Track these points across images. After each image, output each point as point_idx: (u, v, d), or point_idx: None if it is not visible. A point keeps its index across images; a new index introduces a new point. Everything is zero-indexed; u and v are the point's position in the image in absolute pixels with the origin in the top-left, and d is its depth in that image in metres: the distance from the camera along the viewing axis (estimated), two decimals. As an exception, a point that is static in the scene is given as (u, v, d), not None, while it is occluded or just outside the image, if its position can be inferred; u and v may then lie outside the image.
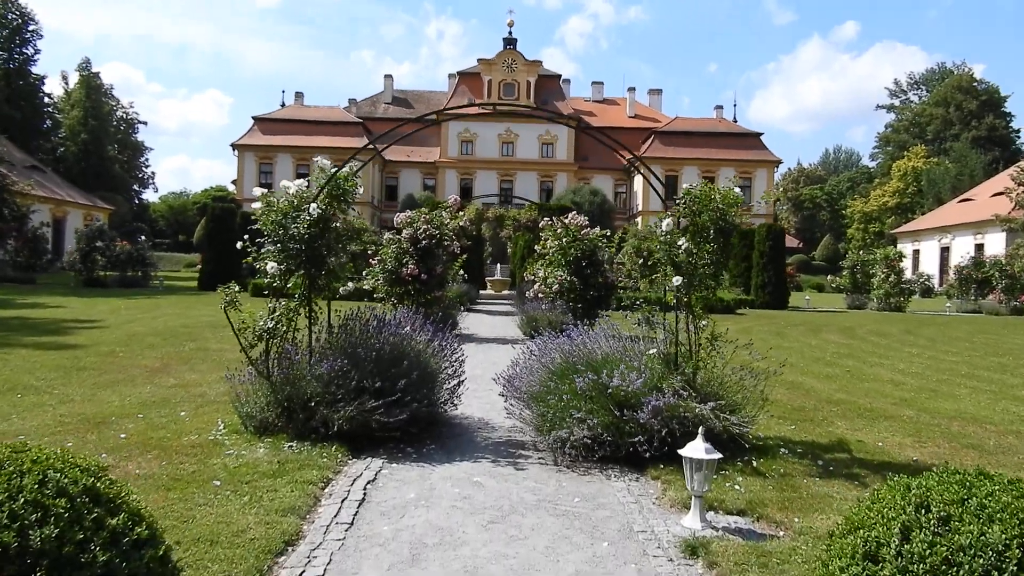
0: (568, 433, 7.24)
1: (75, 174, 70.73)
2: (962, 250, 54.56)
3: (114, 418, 8.52)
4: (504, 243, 37.14)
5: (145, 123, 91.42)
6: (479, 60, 74.03)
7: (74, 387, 10.28)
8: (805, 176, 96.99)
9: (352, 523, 5.62)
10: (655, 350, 8.27)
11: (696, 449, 5.75)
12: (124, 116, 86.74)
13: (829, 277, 38.27)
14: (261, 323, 8.15)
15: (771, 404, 8.65)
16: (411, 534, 5.46)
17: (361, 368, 7.72)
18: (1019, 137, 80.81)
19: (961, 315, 33.44)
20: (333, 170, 8.42)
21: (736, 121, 75.01)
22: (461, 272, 25.88)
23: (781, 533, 5.63)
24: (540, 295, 18.44)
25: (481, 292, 33.87)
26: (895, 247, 63.73)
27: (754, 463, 7.25)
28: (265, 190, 8.62)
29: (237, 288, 8.31)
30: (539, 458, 7.57)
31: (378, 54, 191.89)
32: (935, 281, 54.65)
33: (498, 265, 38.60)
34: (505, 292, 35.36)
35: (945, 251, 58.96)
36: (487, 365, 13.52)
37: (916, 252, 61.91)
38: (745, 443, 7.49)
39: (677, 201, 8.15)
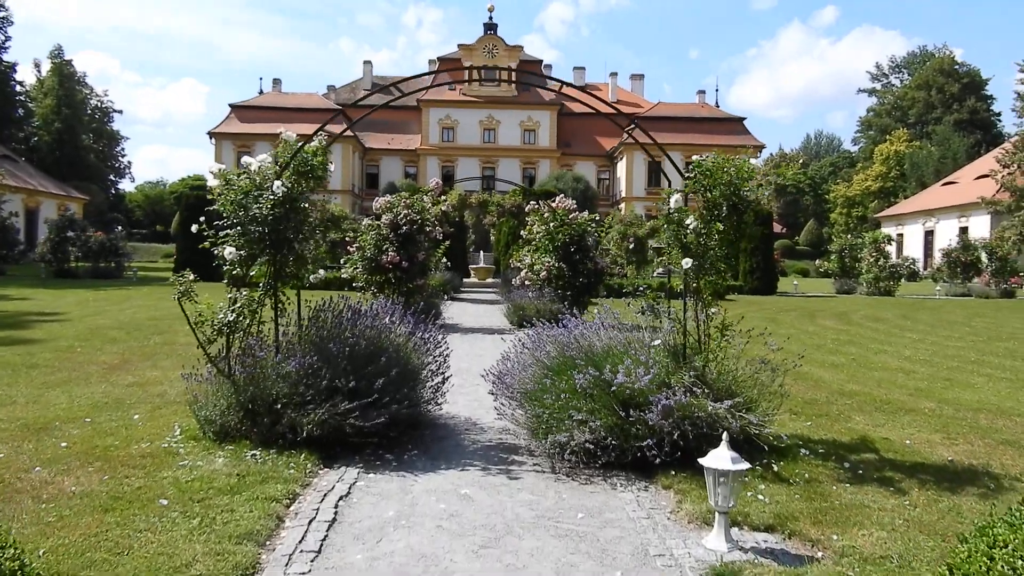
0: (567, 437, 6.41)
1: (49, 164, 69.06)
2: (947, 233, 54.23)
3: (58, 423, 7.60)
4: (487, 230, 36.24)
5: (120, 111, 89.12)
6: (459, 46, 72.89)
7: (20, 387, 9.33)
8: (787, 161, 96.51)
9: (319, 551, 4.75)
10: (659, 341, 7.44)
11: (720, 458, 4.92)
12: (99, 105, 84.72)
13: (817, 262, 37.62)
14: (221, 315, 7.24)
15: (783, 398, 7.85)
16: (389, 564, 4.60)
17: (333, 365, 6.84)
18: (1000, 120, 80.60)
19: (952, 298, 32.92)
20: (300, 144, 7.50)
21: (718, 106, 74.30)
22: (444, 260, 25.01)
23: (820, 554, 4.82)
24: (527, 282, 17.61)
25: (465, 280, 32.98)
26: (879, 231, 63.48)
27: (775, 467, 6.46)
28: (222, 166, 7.70)
29: (193, 276, 7.37)
30: (534, 464, 6.73)
31: (357, 43, 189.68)
32: (919, 265, 54.25)
33: (481, 252, 37.68)
34: (489, 280, 34.49)
35: (929, 234, 58.63)
36: (473, 358, 12.66)
37: (900, 236, 61.51)
38: (764, 444, 6.68)
39: (686, 175, 7.31)
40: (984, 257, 38.74)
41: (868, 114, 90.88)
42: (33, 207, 54.99)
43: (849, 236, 38.28)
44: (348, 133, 67.38)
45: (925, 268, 53.67)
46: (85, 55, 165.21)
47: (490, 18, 74.25)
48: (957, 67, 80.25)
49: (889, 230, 61.95)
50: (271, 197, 7.15)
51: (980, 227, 52.19)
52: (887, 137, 78.33)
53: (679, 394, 6.51)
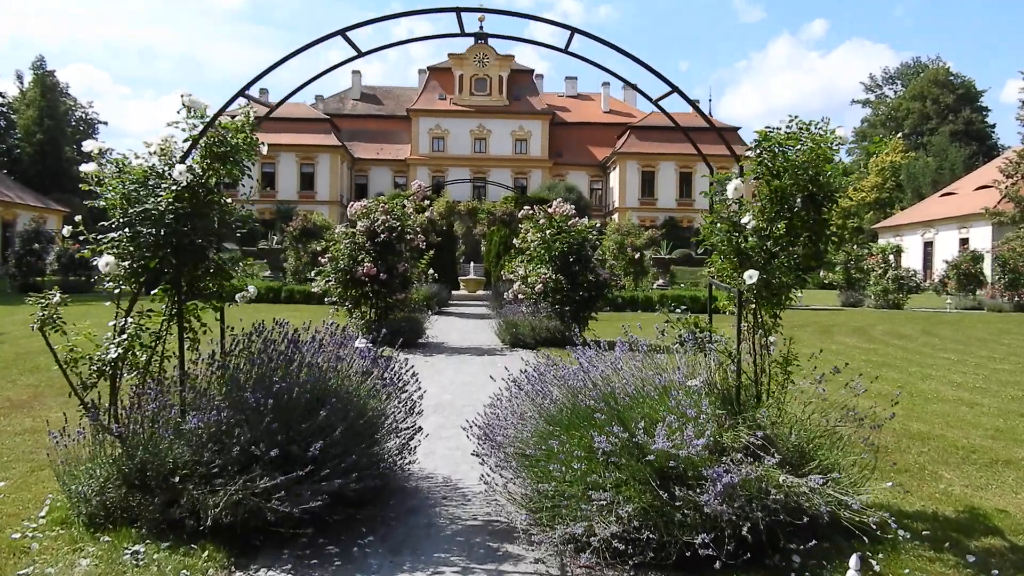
0: (584, 528, 4.40)
1: (31, 176, 66.88)
2: (946, 245, 52.54)
3: None
4: (478, 240, 34.25)
5: (106, 123, 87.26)
6: (450, 55, 71.05)
7: None
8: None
9: None
10: (699, 380, 5.48)
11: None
12: (83, 116, 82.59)
13: (822, 272, 35.82)
14: (101, 351, 5.23)
15: (842, 441, 5.79)
16: None
17: (252, 423, 4.82)
18: (995, 132, 79.14)
19: (964, 312, 31.04)
20: (214, 114, 5.50)
21: (712, 115, 72.58)
22: (431, 271, 23.00)
23: None
24: (520, 296, 15.62)
25: (454, 292, 30.96)
26: (876, 242, 61.71)
27: (872, 562, 4.47)
28: (104, 143, 5.71)
29: (60, 298, 5.37)
30: (536, 562, 4.71)
31: (346, 54, 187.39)
32: (919, 277, 52.48)
33: (472, 264, 35.68)
34: (480, 292, 32.46)
35: (929, 246, 56.93)
36: (458, 388, 10.63)
37: (898, 247, 59.73)
38: (852, 527, 4.68)
39: (744, 155, 5.37)
40: (987, 270, 36.99)
41: (862, 124, 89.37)
42: (10, 220, 52.78)
43: (855, 247, 36.37)
44: (336, 142, 65.56)
45: (925, 280, 51.93)
46: (76, 68, 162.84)
47: (480, 28, 72.02)
48: (952, 78, 78.82)
49: (887, 240, 60.26)
50: (172, 188, 5.15)
51: (981, 238, 50.49)
52: (885, 141, 76.73)
53: (742, 463, 4.54)
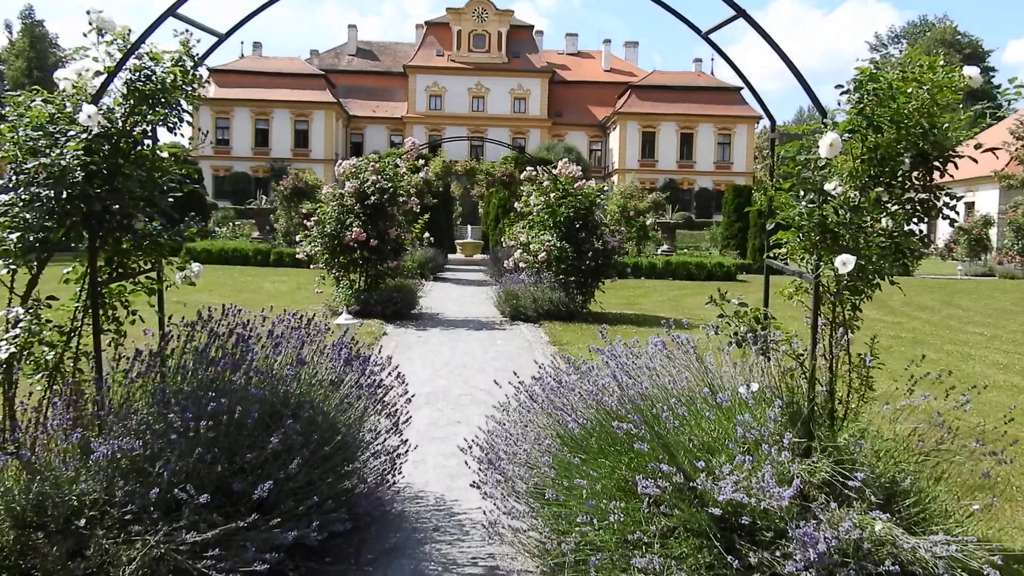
0: (625, 604, 3.24)
1: (19, 130, 65.13)
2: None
3: None
4: (476, 202, 32.92)
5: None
6: (448, 9, 68.84)
7: None
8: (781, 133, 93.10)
9: None
10: (753, 387, 4.31)
11: None
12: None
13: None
14: (-9, 350, 4.02)
15: (888, 441, 4.59)
16: None
17: (182, 453, 3.63)
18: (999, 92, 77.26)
19: (976, 279, 29.90)
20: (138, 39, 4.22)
21: (712, 75, 70.75)
22: (427, 235, 21.74)
23: None
24: (521, 265, 14.40)
25: (450, 257, 29.72)
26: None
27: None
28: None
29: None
30: (557, 638, 3.57)
31: (342, 9, 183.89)
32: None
33: (469, 227, 34.35)
34: (477, 256, 31.20)
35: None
36: (453, 371, 9.43)
37: (902, 211, 58.46)
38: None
39: (839, 99, 4.14)
40: (993, 235, 35.86)
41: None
42: (-4, 174, 51.32)
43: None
44: (331, 99, 63.78)
45: (928, 245, 50.75)
46: (66, 21, 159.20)
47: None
48: (959, 37, 76.86)
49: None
50: (81, 137, 3.89)
51: (987, 202, 49.34)
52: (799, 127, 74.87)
53: (827, 507, 3.37)
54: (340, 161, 13.86)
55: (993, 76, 76.84)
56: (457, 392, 8.12)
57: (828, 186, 3.98)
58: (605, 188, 14.53)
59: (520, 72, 68.08)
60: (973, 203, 50.68)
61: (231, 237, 29.35)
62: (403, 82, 68.74)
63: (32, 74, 69.28)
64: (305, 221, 14.02)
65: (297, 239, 13.99)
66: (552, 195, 13.92)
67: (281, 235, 28.12)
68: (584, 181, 13.98)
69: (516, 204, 15.21)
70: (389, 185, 13.28)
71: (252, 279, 20.39)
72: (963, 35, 77.70)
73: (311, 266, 13.94)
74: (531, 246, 13.99)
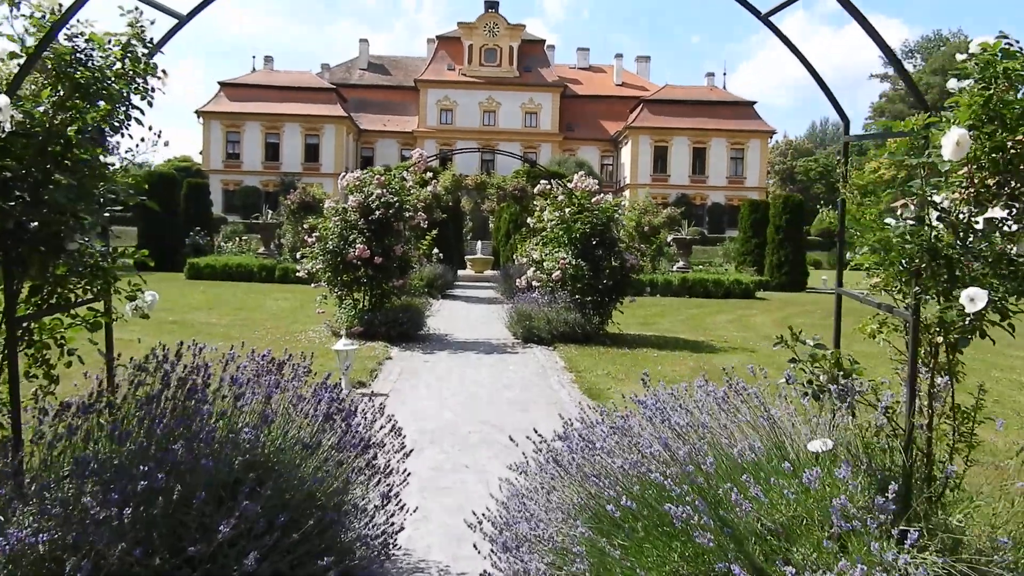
0: None
1: None
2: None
3: None
4: (486, 216, 32.15)
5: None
6: (459, 24, 68.47)
7: None
8: (793, 149, 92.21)
9: None
10: (826, 443, 3.44)
11: None
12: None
13: (849, 255, 33.61)
14: None
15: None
16: None
17: (108, 542, 2.78)
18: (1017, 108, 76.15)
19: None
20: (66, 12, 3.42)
21: (724, 89, 69.97)
22: (436, 251, 20.95)
23: None
24: (534, 283, 13.56)
25: (460, 273, 28.91)
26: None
27: None
28: None
29: None
30: None
31: (355, 25, 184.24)
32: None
33: (479, 242, 33.53)
34: (488, 272, 30.41)
35: (951, 226, 54.60)
36: (463, 401, 8.55)
37: (919, 227, 57.44)
38: None
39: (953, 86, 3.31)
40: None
41: (881, 99, 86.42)
42: None
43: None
44: (341, 113, 63.29)
45: None
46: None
47: (493, -2, 69.70)
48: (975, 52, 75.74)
49: (907, 221, 57.88)
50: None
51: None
52: (902, 123, 73.88)
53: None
54: (344, 173, 13.09)
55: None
56: (466, 428, 7.27)
57: (937, 198, 3.13)
58: (622, 202, 13.69)
59: (531, 86, 67.49)
60: (992, 219, 49.56)
61: (237, 252, 28.63)
62: (414, 96, 68.26)
63: (44, 88, 69.20)
64: (306, 237, 13.23)
65: (298, 256, 13.20)
66: (567, 210, 13.11)
67: (288, 251, 27.40)
68: (601, 195, 13.16)
69: (529, 220, 14.40)
70: (395, 199, 12.48)
71: (255, 296, 19.62)
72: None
73: (312, 284, 13.15)
74: (545, 264, 13.17)
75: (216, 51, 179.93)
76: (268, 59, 69.58)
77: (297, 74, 67.57)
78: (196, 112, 64.06)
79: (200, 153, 66.19)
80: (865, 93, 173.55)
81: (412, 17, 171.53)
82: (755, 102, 66.97)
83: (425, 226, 13.61)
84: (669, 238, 27.41)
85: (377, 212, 12.36)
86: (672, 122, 64.93)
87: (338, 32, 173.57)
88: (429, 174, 13.38)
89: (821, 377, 3.67)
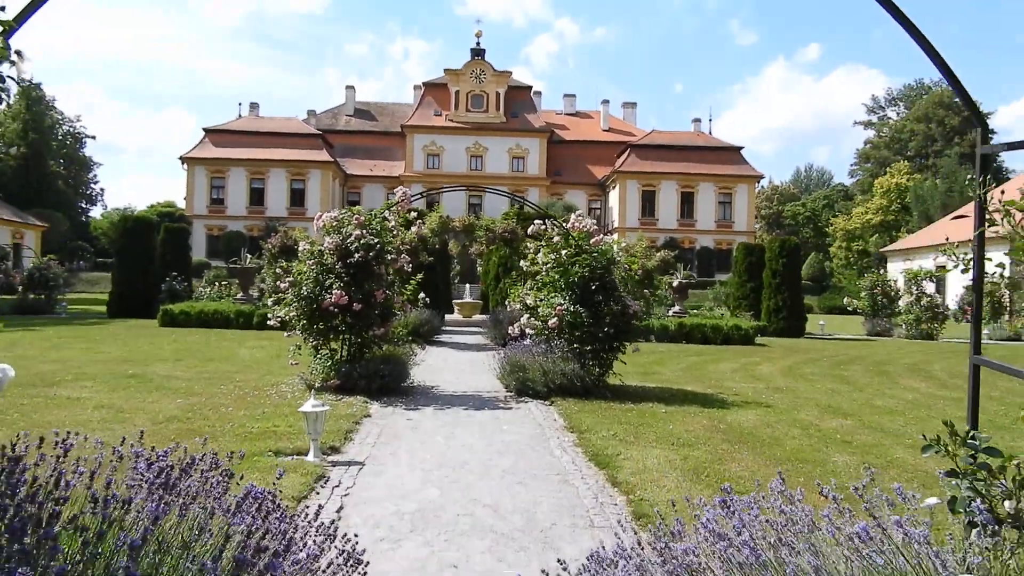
0: None
1: (13, 190, 63.64)
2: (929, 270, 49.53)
3: None
4: (474, 260, 31.06)
5: (94, 137, 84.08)
6: (446, 70, 68.23)
7: None
8: (779, 194, 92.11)
9: None
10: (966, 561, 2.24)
11: None
12: (71, 131, 79.43)
13: (846, 300, 32.68)
14: None
15: None
16: None
17: None
18: (999, 156, 76.42)
19: (1005, 344, 27.88)
20: None
21: (712, 135, 69.75)
22: (422, 296, 19.75)
23: None
24: (528, 331, 12.38)
25: (447, 317, 27.72)
26: (885, 266, 58.69)
27: None
28: None
29: None
30: None
31: (343, 73, 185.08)
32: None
33: (467, 286, 32.39)
34: (476, 317, 29.24)
35: (941, 270, 53.98)
36: (450, 473, 7.24)
37: (930, 272, 56.78)
38: None
39: None
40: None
41: (865, 146, 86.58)
42: (-16, 234, 49.49)
43: (882, 272, 33.33)
44: (327, 158, 62.48)
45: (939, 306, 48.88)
46: (75, 86, 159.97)
47: (478, 43, 69.61)
48: (957, 100, 76.11)
49: (896, 265, 57.29)
50: None
51: (996, 261, 47.63)
52: (886, 170, 73.94)
53: None
54: (320, 213, 11.96)
55: (992, 138, 75.95)
56: (454, 510, 6.03)
57: None
58: (623, 244, 12.60)
59: (518, 132, 67.08)
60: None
61: (215, 297, 27.34)
62: (401, 142, 67.71)
63: (28, 136, 68.21)
64: (279, 282, 12.04)
65: (269, 302, 11.99)
66: (564, 252, 12.00)
67: (268, 295, 26.14)
68: (600, 236, 12.08)
69: (522, 263, 13.27)
70: (376, 241, 11.34)
71: (229, 345, 18.32)
72: (960, 96, 76.85)
73: (286, 333, 11.92)
74: (540, 310, 12.02)
75: (202, 100, 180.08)
76: (254, 105, 68.96)
77: (283, 120, 66.90)
78: (181, 158, 63.12)
79: (184, 199, 65.07)
80: (849, 139, 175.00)
81: (399, 66, 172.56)
82: (742, 147, 66.75)
83: (409, 269, 12.45)
84: (677, 282, 26.31)
85: (356, 255, 11.21)
86: (660, 167, 64.55)
87: (325, 81, 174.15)
88: (414, 214, 12.23)
89: (1005, 503, 2.48)
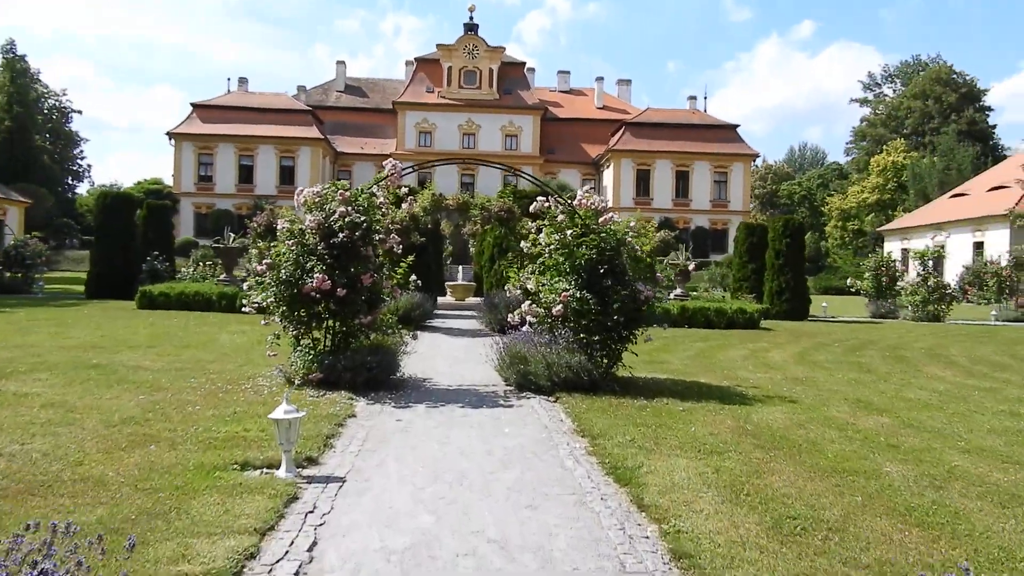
0: None
1: (-2, 164, 62.02)
2: (959, 249, 48.62)
3: None
4: (467, 240, 29.87)
5: (80, 112, 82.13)
6: (438, 46, 66.63)
7: None
8: (773, 174, 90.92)
9: None
10: None
11: None
12: (56, 105, 77.56)
13: (849, 281, 31.73)
14: None
15: None
16: None
17: None
18: (995, 132, 75.41)
19: (1015, 326, 26.90)
20: None
21: (706, 112, 68.46)
22: (413, 279, 18.58)
23: None
24: (530, 319, 11.26)
25: (440, 300, 26.56)
26: (882, 246, 57.73)
27: None
28: None
29: None
30: None
31: (334, 49, 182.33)
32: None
33: (460, 267, 31.21)
34: (470, 300, 28.08)
35: (939, 250, 53.10)
36: (445, 490, 6.09)
37: (905, 251, 55.85)
38: None
39: None
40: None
41: (862, 124, 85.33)
42: (-36, 210, 47.97)
43: (889, 252, 32.33)
44: (317, 135, 60.98)
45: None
46: (61, 60, 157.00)
47: (471, 18, 67.94)
48: (955, 76, 74.94)
49: (894, 244, 56.41)
50: None
51: (997, 242, 46.73)
52: (883, 148, 72.75)
53: None
54: (301, 189, 10.77)
55: (988, 115, 74.97)
56: (452, 546, 4.93)
57: None
58: (632, 223, 11.45)
59: (511, 109, 65.66)
60: (982, 243, 48.12)
61: (199, 278, 26.09)
62: (392, 119, 66.18)
63: (12, 109, 66.36)
64: (257, 264, 10.87)
65: (245, 286, 10.84)
66: (569, 232, 10.86)
67: (254, 276, 24.91)
68: (609, 215, 10.94)
69: (522, 244, 12.11)
70: (363, 219, 10.17)
71: (209, 329, 17.16)
72: (958, 74, 75.82)
73: (263, 321, 10.78)
74: (543, 298, 10.90)
75: (192, 78, 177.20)
76: (242, 80, 67.25)
77: (272, 96, 65.27)
78: (168, 134, 61.53)
79: (172, 176, 63.49)
80: (843, 118, 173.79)
81: (390, 43, 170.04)
82: (738, 125, 65.55)
83: (400, 251, 11.27)
84: (692, 265, 25.22)
85: (341, 234, 10.04)
86: (655, 145, 63.32)
87: (316, 58, 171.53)
88: (405, 190, 11.06)
89: None
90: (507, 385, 11.07)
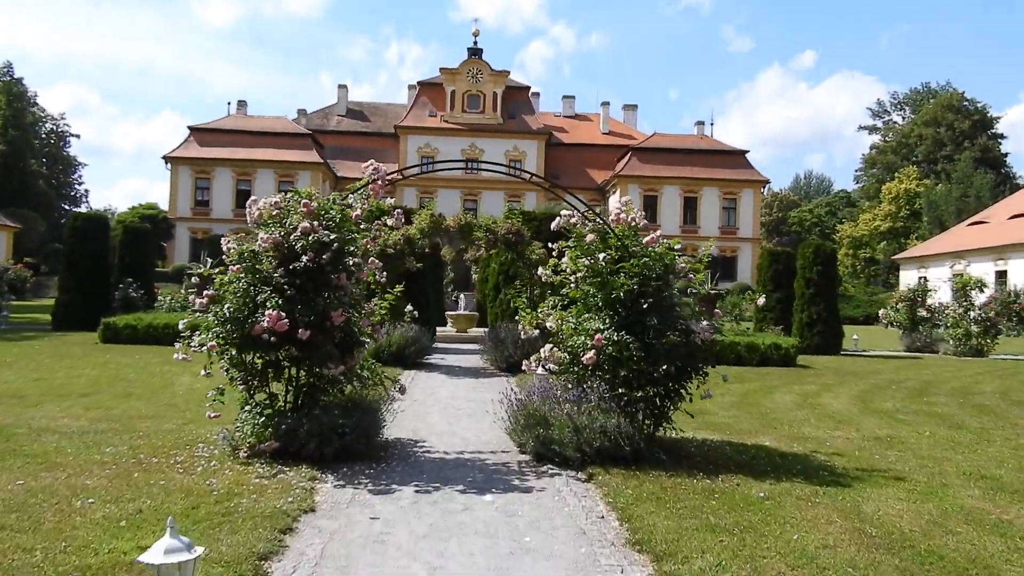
0: None
1: (-9, 189, 59.78)
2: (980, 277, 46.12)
3: None
4: (468, 266, 27.33)
5: (78, 136, 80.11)
6: (442, 69, 64.52)
7: None
8: (779, 201, 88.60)
9: None
10: None
11: None
12: (54, 129, 75.49)
13: (882, 312, 29.17)
14: None
15: None
16: None
17: None
18: (1006, 159, 73.08)
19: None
20: None
21: (713, 137, 66.20)
22: (409, 309, 16.00)
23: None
24: (551, 366, 8.63)
25: (440, 331, 23.96)
26: (898, 274, 55.18)
27: None
28: None
29: None
30: None
31: (338, 76, 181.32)
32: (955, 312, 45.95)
33: (462, 295, 28.63)
34: (473, 331, 25.49)
35: (981, 280, 50.69)
36: None
37: (923, 280, 53.27)
38: None
39: None
40: None
41: (871, 151, 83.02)
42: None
43: (922, 280, 29.74)
44: (317, 159, 58.71)
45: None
46: (65, 87, 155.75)
47: (475, 42, 65.94)
48: (966, 104, 72.73)
49: (910, 273, 53.87)
50: None
51: (1021, 271, 44.27)
52: (894, 175, 70.39)
53: None
54: (255, 198, 8.23)
55: (1001, 142, 72.71)
56: None
57: None
58: (678, 245, 8.87)
59: (515, 133, 63.41)
60: (1005, 272, 45.62)
61: (174, 308, 23.50)
62: (394, 143, 63.88)
63: (7, 132, 64.28)
64: (197, 298, 8.31)
65: (181, 325, 8.27)
66: (603, 256, 8.29)
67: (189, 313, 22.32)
68: (656, 234, 8.38)
69: (540, 271, 9.53)
70: (333, 237, 7.62)
71: (171, 369, 14.58)
72: (969, 101, 73.64)
73: (203, 371, 8.19)
74: (572, 342, 8.30)
75: (196, 104, 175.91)
76: (241, 103, 65.10)
77: (271, 119, 63.05)
78: (164, 158, 59.23)
79: (168, 200, 61.10)
80: (846, 146, 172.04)
81: (394, 71, 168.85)
82: (747, 151, 63.19)
83: (382, 279, 8.64)
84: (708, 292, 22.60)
85: (304, 257, 7.49)
86: (662, 171, 60.96)
87: (319, 84, 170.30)
88: (390, 200, 8.49)
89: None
90: (522, 453, 8.44)
